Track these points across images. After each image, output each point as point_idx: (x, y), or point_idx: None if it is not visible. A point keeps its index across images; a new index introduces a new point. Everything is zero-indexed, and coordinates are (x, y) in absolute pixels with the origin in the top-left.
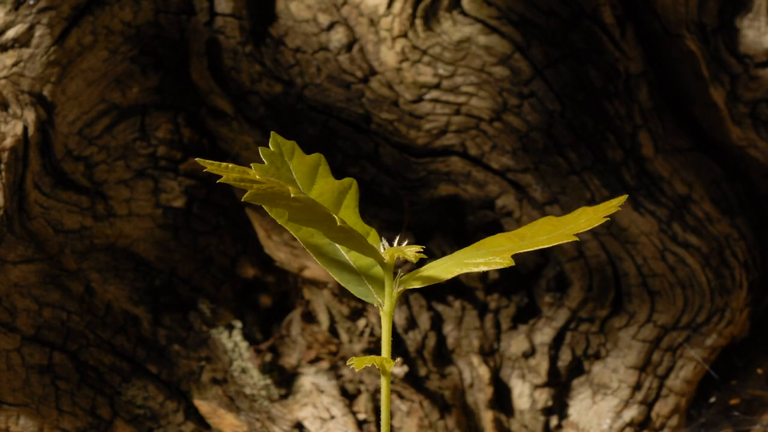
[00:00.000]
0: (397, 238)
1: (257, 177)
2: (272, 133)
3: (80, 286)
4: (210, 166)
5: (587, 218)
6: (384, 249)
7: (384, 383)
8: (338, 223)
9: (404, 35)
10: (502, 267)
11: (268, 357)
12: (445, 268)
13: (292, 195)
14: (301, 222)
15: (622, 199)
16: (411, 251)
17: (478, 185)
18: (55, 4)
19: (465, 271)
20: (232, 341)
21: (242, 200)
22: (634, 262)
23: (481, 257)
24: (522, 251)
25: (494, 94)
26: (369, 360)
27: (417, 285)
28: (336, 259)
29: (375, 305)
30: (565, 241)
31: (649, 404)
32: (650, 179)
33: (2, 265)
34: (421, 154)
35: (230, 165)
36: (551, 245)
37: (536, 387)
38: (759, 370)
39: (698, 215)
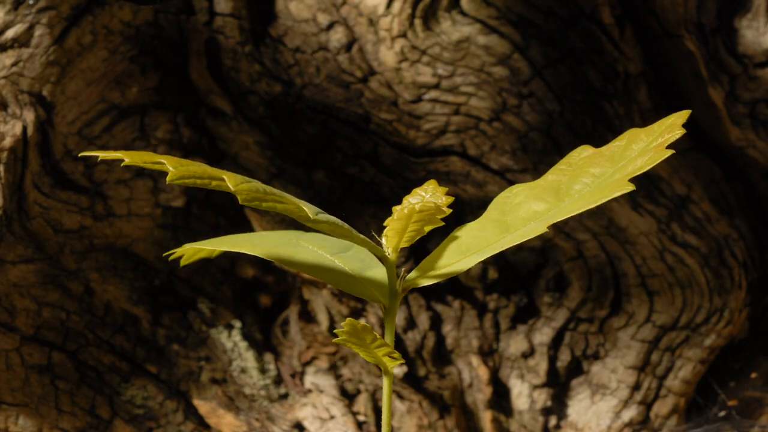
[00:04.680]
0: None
1: (170, 162)
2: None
3: (80, 286)
4: (102, 154)
5: (643, 150)
6: (384, 241)
7: (386, 383)
8: (311, 215)
9: (403, 35)
10: (535, 235)
11: (268, 357)
12: (464, 260)
13: (224, 178)
14: (256, 205)
15: (685, 114)
16: (439, 194)
17: (478, 185)
18: (54, 4)
19: (488, 255)
20: (232, 341)
21: (168, 182)
22: (633, 263)
23: (501, 232)
24: (558, 219)
25: (493, 94)
26: (349, 328)
27: (428, 282)
28: (326, 266)
29: (377, 305)
30: (619, 193)
31: (648, 404)
32: (649, 179)
33: (2, 265)
34: (420, 154)
35: (132, 152)
36: (602, 202)
37: (535, 387)
38: (753, 374)
39: (697, 215)
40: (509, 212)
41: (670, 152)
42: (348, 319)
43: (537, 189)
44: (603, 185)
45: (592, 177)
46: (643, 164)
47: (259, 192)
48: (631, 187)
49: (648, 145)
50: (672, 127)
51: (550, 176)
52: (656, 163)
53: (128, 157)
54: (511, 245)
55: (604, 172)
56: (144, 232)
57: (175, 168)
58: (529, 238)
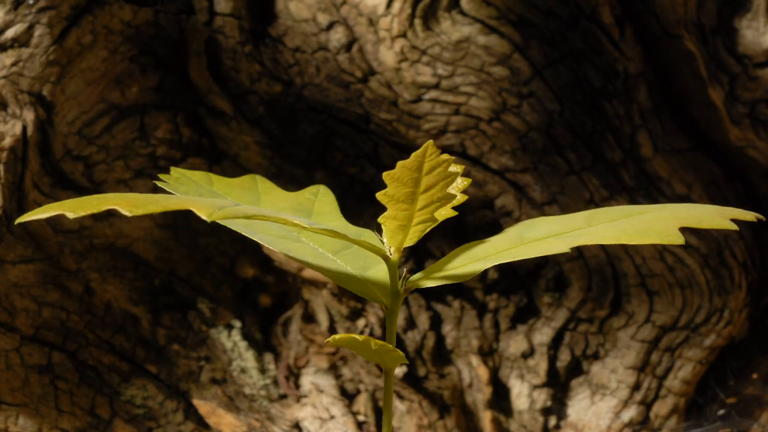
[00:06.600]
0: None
1: (125, 204)
2: (171, 168)
3: (80, 286)
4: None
5: (705, 210)
6: (386, 240)
7: (387, 383)
8: (305, 225)
9: (403, 35)
10: (557, 253)
11: (268, 357)
12: (470, 265)
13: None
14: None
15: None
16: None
17: (477, 185)
18: (54, 3)
19: (500, 262)
20: (232, 341)
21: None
22: (633, 263)
23: (521, 246)
24: (585, 243)
25: (493, 94)
26: (348, 340)
27: (431, 284)
28: (327, 264)
29: (378, 305)
30: (666, 241)
31: (647, 405)
32: (649, 179)
33: (1, 265)
34: None
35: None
36: (641, 243)
37: (535, 387)
38: (755, 375)
39: None
40: (529, 230)
41: (733, 227)
42: (345, 335)
43: (567, 217)
44: (649, 223)
45: (637, 214)
46: (701, 220)
47: (237, 215)
48: (680, 240)
49: (714, 211)
50: (747, 213)
51: (586, 211)
52: (715, 227)
53: (72, 211)
54: (526, 257)
55: (650, 210)
56: (144, 232)
57: (130, 210)
58: (548, 254)
